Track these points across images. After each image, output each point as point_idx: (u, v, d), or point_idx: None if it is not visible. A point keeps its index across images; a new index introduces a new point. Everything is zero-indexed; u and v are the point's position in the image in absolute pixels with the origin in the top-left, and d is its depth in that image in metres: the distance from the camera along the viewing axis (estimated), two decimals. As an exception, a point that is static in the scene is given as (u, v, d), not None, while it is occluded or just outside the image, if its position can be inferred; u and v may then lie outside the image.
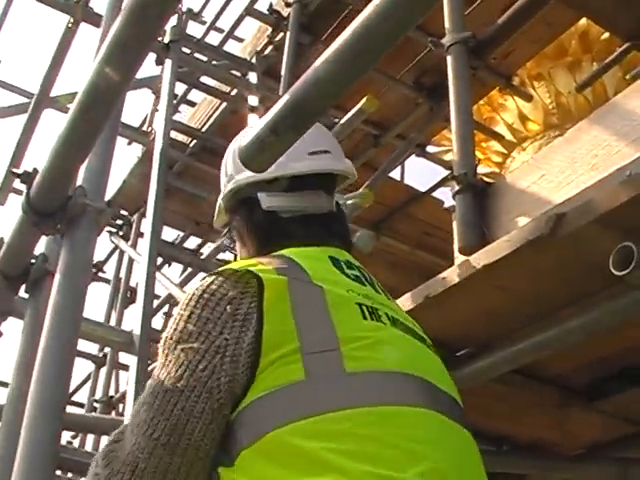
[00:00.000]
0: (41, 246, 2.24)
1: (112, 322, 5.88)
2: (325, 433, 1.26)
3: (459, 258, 2.45)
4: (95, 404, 5.74)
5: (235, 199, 1.82)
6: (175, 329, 1.43)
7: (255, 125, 1.44)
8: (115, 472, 1.38)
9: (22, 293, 2.30)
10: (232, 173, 1.81)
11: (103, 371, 5.97)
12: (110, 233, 5.54)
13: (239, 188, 1.79)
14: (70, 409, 5.72)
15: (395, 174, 5.95)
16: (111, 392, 5.81)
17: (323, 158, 1.80)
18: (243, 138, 1.50)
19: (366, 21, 1.20)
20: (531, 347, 2.34)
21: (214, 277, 1.48)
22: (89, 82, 1.58)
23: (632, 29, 4.19)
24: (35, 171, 1.91)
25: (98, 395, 5.81)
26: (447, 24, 2.97)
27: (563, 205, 2.01)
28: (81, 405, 6.37)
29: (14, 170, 2.10)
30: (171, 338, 1.43)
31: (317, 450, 1.24)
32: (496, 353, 2.48)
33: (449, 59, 2.89)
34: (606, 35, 6.44)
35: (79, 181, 1.96)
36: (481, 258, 2.21)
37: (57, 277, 1.85)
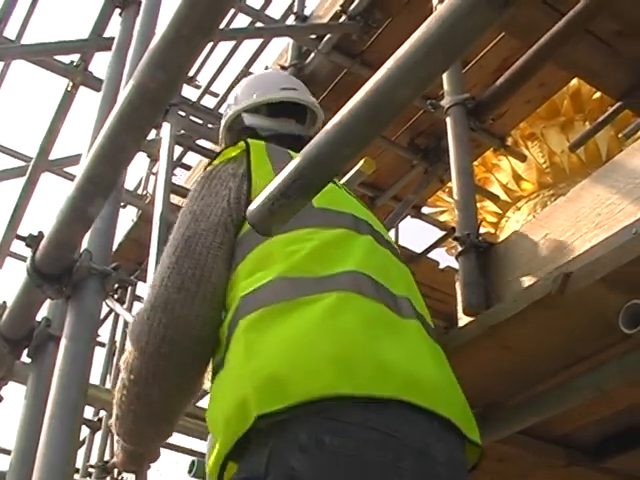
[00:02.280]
0: (43, 310, 2.23)
1: (107, 385, 5.83)
2: (286, 241, 1.66)
3: (463, 319, 2.44)
4: (90, 469, 5.67)
5: (231, 128, 2.37)
6: (191, 197, 1.87)
7: (266, 189, 1.44)
8: (150, 308, 1.71)
9: (24, 358, 2.28)
10: (231, 104, 2.40)
11: (98, 435, 5.90)
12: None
13: (235, 116, 2.34)
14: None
15: (390, 235, 5.95)
16: (106, 457, 5.74)
17: (293, 92, 2.38)
18: (251, 80, 2.50)
19: (380, 83, 1.21)
20: (539, 407, 2.33)
21: (221, 155, 1.95)
22: (98, 146, 1.59)
23: (623, 88, 4.24)
24: (41, 234, 1.90)
25: (93, 460, 5.74)
26: (445, 86, 3.00)
27: (569, 264, 2.01)
28: (76, 470, 6.29)
29: (19, 234, 2.09)
30: (189, 205, 1.85)
31: (279, 250, 1.66)
32: (503, 414, 2.46)
33: (448, 121, 2.91)
34: (598, 94, 6.52)
35: (84, 244, 1.96)
36: (487, 319, 2.21)
37: (63, 341, 1.84)
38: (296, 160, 1.39)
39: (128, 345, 1.78)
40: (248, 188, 1.80)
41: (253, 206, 1.46)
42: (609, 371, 2.13)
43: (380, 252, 1.83)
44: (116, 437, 1.98)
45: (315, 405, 1.44)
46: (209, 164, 1.96)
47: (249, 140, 1.94)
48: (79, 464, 6.21)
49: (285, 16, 5.44)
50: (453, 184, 2.72)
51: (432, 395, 1.57)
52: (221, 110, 5.74)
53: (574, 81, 5.50)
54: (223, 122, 2.41)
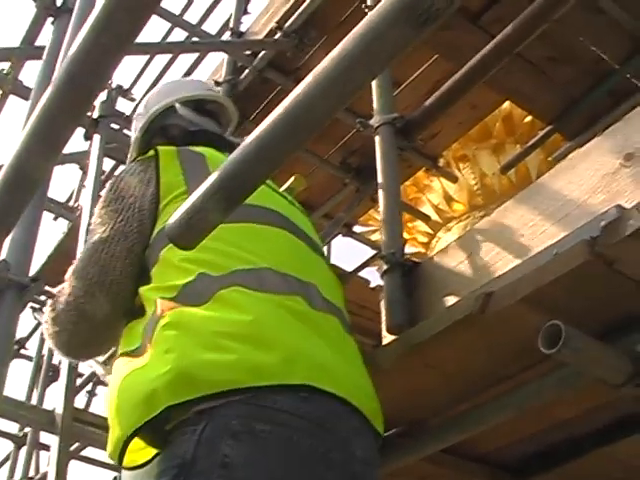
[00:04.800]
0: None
1: (34, 401, 5.72)
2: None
3: (387, 337, 2.44)
4: (14, 485, 5.56)
5: (146, 132, 2.43)
6: (100, 204, 2.00)
7: (184, 203, 1.43)
8: (60, 310, 1.93)
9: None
10: (149, 108, 2.47)
11: (23, 451, 5.78)
12: (33, 309, 5.41)
13: (154, 116, 2.43)
14: (-13, 492, 5.54)
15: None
16: (31, 473, 5.63)
17: (216, 95, 2.62)
18: (175, 81, 2.77)
19: (299, 98, 1.21)
20: (462, 425, 2.34)
21: (132, 163, 2.06)
22: (14, 156, 1.55)
23: (554, 112, 4.33)
24: (-44, 246, 1.86)
25: (17, 476, 5.62)
26: (375, 105, 3.01)
27: (491, 284, 2.02)
28: (-1, 487, 6.15)
29: None
30: (99, 210, 1.98)
31: (180, 260, 1.73)
32: (425, 432, 2.47)
33: (377, 139, 2.92)
34: (529, 118, 6.62)
35: (2, 255, 1.92)
36: (410, 337, 2.22)
37: (-23, 354, 1.80)
38: (215, 174, 1.38)
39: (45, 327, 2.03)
40: (156, 192, 1.92)
41: (172, 220, 1.45)
42: (530, 390, 2.14)
43: (295, 244, 1.95)
44: None
45: (239, 393, 1.52)
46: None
47: (158, 147, 2.05)
48: (3, 479, 6.09)
49: (221, 32, 5.43)
50: (380, 203, 2.73)
51: (354, 394, 1.68)
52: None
53: (506, 104, 5.57)
54: (140, 125, 2.47)
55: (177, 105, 2.43)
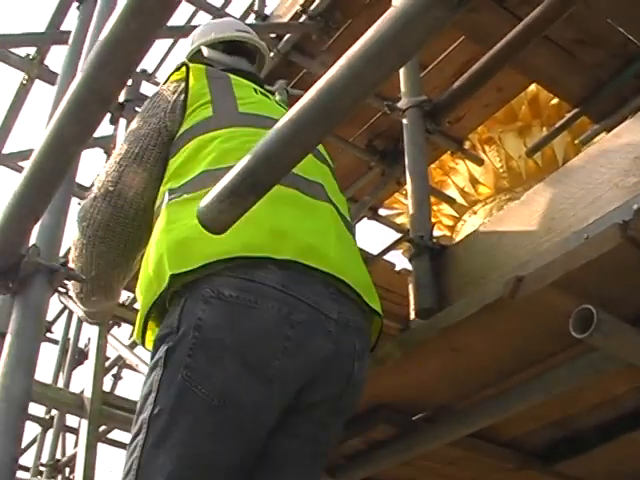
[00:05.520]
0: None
1: (60, 384, 5.76)
2: (211, 139, 2.05)
3: (416, 321, 2.43)
4: (41, 468, 5.60)
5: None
6: (141, 110, 2.27)
7: (215, 187, 1.43)
8: (93, 197, 2.15)
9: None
10: (195, 39, 2.70)
11: (50, 434, 5.83)
12: (59, 293, 5.43)
13: (195, 51, 2.66)
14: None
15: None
16: (58, 455, 5.68)
17: (246, 34, 2.72)
18: (210, 22, 2.92)
19: (332, 81, 1.20)
20: (489, 410, 2.33)
21: (167, 78, 2.32)
22: (45, 141, 1.56)
23: (580, 95, 4.28)
24: (-12, 229, 1.86)
25: (44, 459, 5.67)
26: (403, 88, 2.99)
27: (521, 268, 2.00)
28: (27, 469, 6.20)
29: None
30: (137, 116, 2.25)
31: (206, 146, 2.03)
32: (453, 417, 2.46)
33: (405, 122, 2.91)
34: (555, 100, 6.57)
35: (33, 239, 1.92)
36: (439, 321, 2.20)
37: (8, 338, 1.80)
38: (246, 159, 1.37)
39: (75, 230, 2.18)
40: (184, 98, 2.19)
41: (203, 204, 1.45)
42: (559, 375, 2.13)
43: None
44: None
45: (219, 265, 1.75)
46: None
47: (189, 63, 2.32)
48: (29, 463, 6.15)
49: (245, 15, 5.41)
50: (408, 186, 2.72)
51: (329, 262, 1.86)
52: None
53: (532, 87, 5.53)
54: (185, 57, 2.68)
55: (203, 48, 2.66)
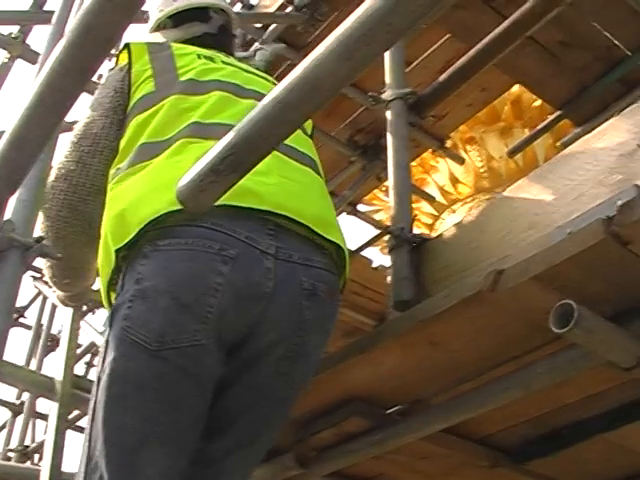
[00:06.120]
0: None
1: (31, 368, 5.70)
2: (151, 114, 2.08)
3: (393, 314, 2.42)
4: (9, 454, 5.55)
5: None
6: (91, 101, 2.29)
7: (195, 165, 1.40)
8: (54, 179, 2.17)
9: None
10: (148, 30, 2.71)
11: (20, 419, 5.77)
12: (34, 278, 5.38)
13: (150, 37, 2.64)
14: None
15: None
16: (27, 442, 5.62)
17: (187, 2, 2.65)
18: (157, 5, 2.74)
19: (320, 59, 1.17)
20: (465, 405, 2.31)
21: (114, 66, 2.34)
22: (23, 111, 1.52)
23: (563, 97, 4.29)
24: (-39, 203, 1.83)
25: (14, 444, 5.62)
26: (388, 79, 2.98)
27: (502, 262, 1.99)
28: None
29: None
30: (89, 106, 2.26)
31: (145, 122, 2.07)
32: (428, 411, 2.44)
33: (388, 114, 2.89)
34: (538, 102, 6.58)
35: (7, 215, 1.89)
36: (416, 313, 2.19)
37: (-21, 314, 1.77)
38: (228, 136, 1.34)
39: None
40: (128, 78, 2.23)
41: (182, 183, 1.42)
42: (537, 371, 2.11)
43: (240, 103, 2.17)
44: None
45: (152, 225, 1.80)
46: None
47: (130, 43, 2.34)
48: (-2, 448, 6.09)
49: (231, 4, 5.37)
50: (389, 178, 2.70)
51: (264, 200, 1.88)
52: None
53: (515, 87, 5.53)
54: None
55: (153, 34, 2.67)
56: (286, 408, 1.97)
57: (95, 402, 1.78)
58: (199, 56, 2.33)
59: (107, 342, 1.80)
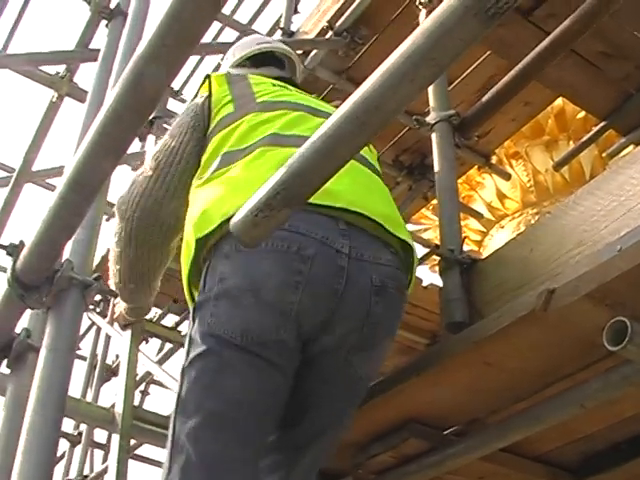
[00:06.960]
0: (23, 321, 2.20)
1: (88, 400, 5.77)
2: (232, 130, 2.20)
3: (446, 335, 2.43)
4: (68, 483, 5.60)
5: None
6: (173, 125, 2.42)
7: (249, 201, 1.43)
8: (132, 184, 2.31)
9: (3, 368, 2.26)
10: (223, 65, 2.95)
11: (78, 449, 5.83)
12: (87, 310, 5.44)
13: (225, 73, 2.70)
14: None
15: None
16: (86, 471, 5.68)
17: (267, 45, 2.90)
18: (236, 44, 3.02)
19: (367, 94, 1.20)
20: (521, 424, 2.31)
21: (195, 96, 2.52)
22: (79, 157, 1.57)
23: (607, 108, 4.27)
24: (22, 243, 1.89)
25: (72, 474, 5.67)
26: (431, 102, 3.00)
27: (553, 280, 1.99)
28: (55, 485, 6.20)
29: (0, 243, 2.07)
30: (169, 131, 2.40)
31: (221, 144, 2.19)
32: (485, 431, 2.45)
33: (434, 137, 2.91)
34: (582, 114, 6.55)
35: (66, 254, 1.94)
36: (471, 335, 2.20)
37: (43, 352, 1.82)
38: (280, 172, 1.37)
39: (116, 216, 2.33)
40: (209, 100, 2.37)
41: (237, 218, 1.45)
42: (592, 388, 2.11)
43: (314, 120, 2.27)
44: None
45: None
46: None
47: (211, 74, 2.50)
48: (58, 478, 6.15)
49: (272, 31, 5.44)
50: (437, 200, 2.72)
51: (337, 197, 1.96)
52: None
53: (559, 100, 5.51)
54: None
55: (230, 70, 2.80)
56: (357, 397, 2.09)
57: (181, 392, 1.88)
58: (274, 84, 2.49)
59: (191, 336, 1.92)
